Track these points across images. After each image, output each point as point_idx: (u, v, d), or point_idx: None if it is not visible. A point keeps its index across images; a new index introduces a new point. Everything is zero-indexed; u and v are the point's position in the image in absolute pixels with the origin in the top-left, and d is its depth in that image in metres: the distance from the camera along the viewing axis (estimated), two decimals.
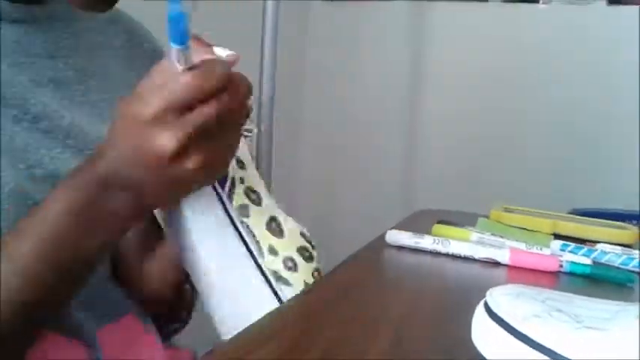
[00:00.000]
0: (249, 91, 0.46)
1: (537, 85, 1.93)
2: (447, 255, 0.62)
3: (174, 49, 0.41)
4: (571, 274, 0.59)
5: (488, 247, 0.62)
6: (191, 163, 0.43)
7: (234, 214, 0.53)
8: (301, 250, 0.56)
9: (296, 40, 2.08)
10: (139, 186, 0.45)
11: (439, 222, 0.71)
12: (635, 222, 1.30)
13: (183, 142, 0.42)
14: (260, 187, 0.57)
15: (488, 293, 0.35)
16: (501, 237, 0.67)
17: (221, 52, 0.48)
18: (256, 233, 0.54)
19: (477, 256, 0.61)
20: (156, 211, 0.56)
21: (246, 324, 0.39)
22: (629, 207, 1.57)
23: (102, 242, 0.47)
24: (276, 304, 0.51)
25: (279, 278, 0.53)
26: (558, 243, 0.68)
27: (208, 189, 0.53)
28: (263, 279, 0.53)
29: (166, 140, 0.42)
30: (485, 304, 0.34)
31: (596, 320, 0.31)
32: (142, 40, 0.70)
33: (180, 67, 0.42)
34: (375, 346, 0.36)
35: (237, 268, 0.52)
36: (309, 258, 0.56)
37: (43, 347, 0.53)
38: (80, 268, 0.47)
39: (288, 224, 0.57)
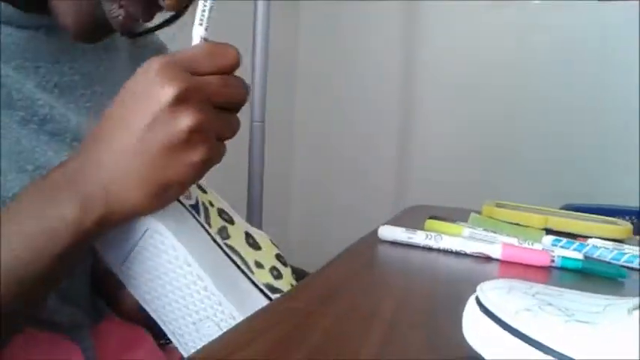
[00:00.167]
0: (247, 89, 0.47)
1: (530, 82, 1.94)
2: (439, 250, 0.62)
3: (197, 30, 0.46)
4: (562, 269, 0.59)
5: (480, 242, 0.62)
6: (186, 120, 0.43)
7: (217, 238, 0.53)
8: (278, 257, 0.57)
9: (288, 37, 2.08)
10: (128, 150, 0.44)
11: (431, 217, 0.71)
12: (627, 217, 1.31)
13: (184, 91, 0.42)
14: (227, 207, 0.57)
15: (479, 287, 0.35)
16: (493, 232, 0.67)
17: None
18: (241, 252, 0.54)
19: (468, 251, 0.61)
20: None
21: None
22: (620, 203, 1.58)
23: (77, 216, 0.44)
24: None
25: (274, 289, 0.53)
26: (550, 238, 0.68)
27: (190, 218, 0.52)
28: (260, 294, 0.53)
29: (168, 85, 0.42)
30: (476, 299, 0.34)
31: (587, 314, 0.31)
32: (146, 42, 0.70)
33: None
34: (366, 340, 0.36)
35: (237, 285, 0.52)
36: (284, 263, 0.56)
37: (34, 345, 0.53)
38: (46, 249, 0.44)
39: (257, 235, 0.57)
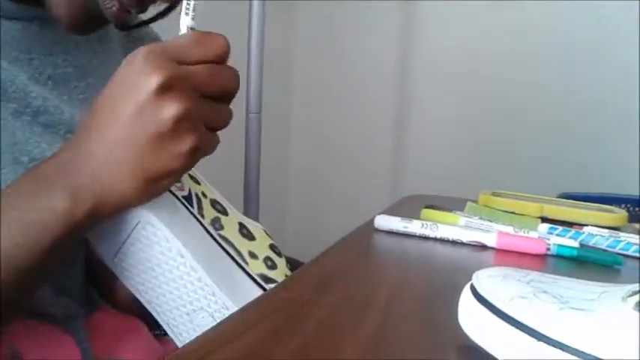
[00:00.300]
0: (238, 78, 0.46)
1: (526, 72, 1.93)
2: (435, 239, 0.62)
3: (184, 20, 0.46)
4: (558, 256, 0.59)
5: (475, 230, 0.62)
6: (172, 109, 0.42)
7: (210, 229, 0.53)
8: (272, 247, 0.56)
9: (284, 28, 2.07)
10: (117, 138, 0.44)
11: (427, 207, 0.71)
12: (623, 205, 1.31)
13: (168, 80, 0.42)
14: (220, 198, 0.57)
15: (474, 276, 0.35)
16: (489, 221, 0.67)
17: None
18: (234, 242, 0.54)
19: (464, 240, 0.61)
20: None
21: None
22: (617, 192, 1.58)
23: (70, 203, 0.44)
24: None
25: (268, 279, 0.53)
26: (546, 226, 0.68)
27: (182, 209, 0.52)
28: (254, 284, 0.53)
29: (153, 74, 0.42)
30: (472, 287, 0.34)
31: (582, 301, 0.31)
32: (141, 35, 0.69)
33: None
34: (362, 329, 0.36)
35: (230, 276, 0.52)
36: (279, 253, 0.56)
37: (29, 337, 0.53)
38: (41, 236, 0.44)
39: (251, 226, 0.57)
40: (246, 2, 1.33)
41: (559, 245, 0.59)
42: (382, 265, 0.54)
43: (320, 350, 0.33)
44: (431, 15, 2.02)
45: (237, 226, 0.55)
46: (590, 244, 0.65)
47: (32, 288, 0.48)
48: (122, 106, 0.43)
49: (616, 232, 0.70)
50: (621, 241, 0.65)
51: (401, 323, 0.38)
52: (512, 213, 0.80)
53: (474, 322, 0.33)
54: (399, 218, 0.63)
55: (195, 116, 0.43)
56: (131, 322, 0.63)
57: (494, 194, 0.88)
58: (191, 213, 0.52)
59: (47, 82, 0.56)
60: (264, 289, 0.52)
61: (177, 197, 0.52)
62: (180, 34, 0.46)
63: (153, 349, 0.63)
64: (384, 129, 2.14)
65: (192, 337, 0.44)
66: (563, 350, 0.28)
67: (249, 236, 0.56)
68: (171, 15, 0.60)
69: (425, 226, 0.62)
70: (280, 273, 0.55)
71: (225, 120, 0.47)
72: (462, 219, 0.67)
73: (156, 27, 0.67)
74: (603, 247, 0.65)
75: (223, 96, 0.46)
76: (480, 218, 0.68)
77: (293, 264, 0.57)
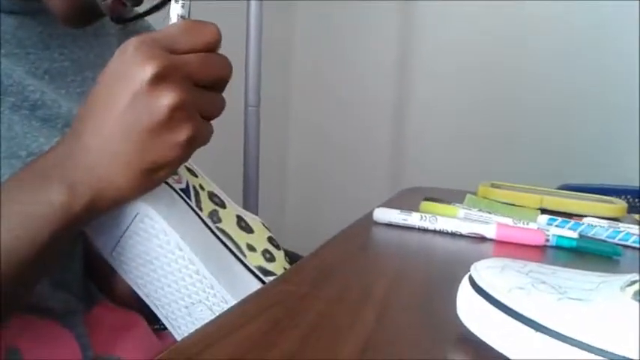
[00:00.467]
0: (230, 66, 0.46)
1: (525, 62, 1.93)
2: (434, 231, 0.62)
3: (174, 8, 0.45)
4: (558, 247, 0.59)
5: (474, 222, 0.62)
6: (166, 99, 0.42)
7: (208, 222, 0.53)
8: (271, 240, 0.56)
9: (283, 21, 2.06)
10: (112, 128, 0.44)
11: (426, 199, 0.71)
12: (623, 197, 1.31)
13: (162, 70, 0.42)
14: (218, 190, 0.57)
15: (472, 267, 0.35)
16: (489, 213, 0.67)
17: None
18: (232, 235, 0.54)
19: (463, 232, 0.61)
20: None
21: None
22: (616, 183, 1.58)
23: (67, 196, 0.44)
24: None
25: (266, 272, 0.53)
26: (545, 217, 0.68)
27: (180, 201, 0.52)
28: (253, 277, 0.53)
29: (146, 65, 0.42)
30: (470, 278, 0.34)
31: (580, 291, 0.31)
32: (137, 28, 0.69)
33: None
34: (361, 321, 0.36)
35: (229, 269, 0.52)
36: (277, 246, 0.56)
37: (27, 332, 0.53)
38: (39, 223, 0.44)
39: (249, 219, 0.57)
40: (244, 8, 1.33)
41: (558, 236, 0.59)
42: (381, 258, 0.54)
43: (319, 343, 0.33)
44: (430, 7, 2.01)
45: (235, 219, 0.55)
46: (590, 234, 0.65)
47: (31, 282, 0.47)
48: (116, 98, 0.43)
49: (615, 223, 0.70)
50: (620, 231, 0.65)
51: (400, 315, 0.38)
52: (512, 205, 0.80)
53: (472, 313, 0.33)
54: (397, 211, 0.63)
55: (190, 105, 0.43)
56: (130, 316, 0.63)
57: (494, 186, 0.88)
58: (189, 206, 0.52)
59: (44, 76, 0.56)
60: (262, 281, 0.52)
61: (174, 190, 0.52)
62: (170, 22, 0.46)
63: (152, 344, 0.63)
64: (382, 122, 2.14)
65: (191, 331, 0.44)
66: (561, 340, 0.28)
67: (248, 229, 0.55)
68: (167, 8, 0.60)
69: (424, 218, 0.62)
70: (279, 265, 0.55)
71: (218, 108, 0.47)
72: (461, 211, 0.67)
73: (151, 20, 0.67)
74: (602, 237, 0.65)
75: (216, 84, 0.46)
76: (479, 210, 0.67)
77: (292, 257, 0.57)
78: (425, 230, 0.62)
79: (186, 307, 0.50)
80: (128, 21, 0.63)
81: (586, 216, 0.73)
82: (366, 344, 0.33)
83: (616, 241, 0.64)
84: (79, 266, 0.61)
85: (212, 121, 0.47)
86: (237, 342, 0.32)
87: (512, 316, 0.30)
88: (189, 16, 0.48)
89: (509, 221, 0.64)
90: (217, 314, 0.41)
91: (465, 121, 2.01)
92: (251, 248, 0.54)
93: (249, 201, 1.39)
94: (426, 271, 0.50)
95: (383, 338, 0.34)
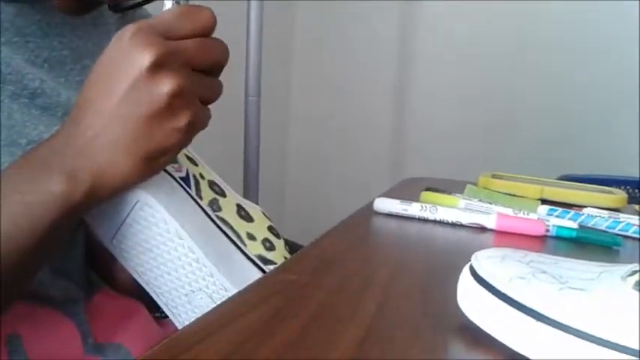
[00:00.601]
0: (227, 50, 0.46)
1: (527, 53, 1.92)
2: (434, 221, 0.62)
3: None
4: (558, 238, 0.59)
5: (475, 212, 0.62)
6: (166, 85, 0.42)
7: (208, 210, 0.53)
8: (271, 229, 0.56)
9: (283, 10, 2.06)
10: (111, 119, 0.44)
11: (427, 189, 0.71)
12: (622, 187, 1.31)
13: (160, 56, 0.42)
14: (218, 179, 0.57)
15: (473, 257, 0.35)
16: (489, 203, 0.67)
17: None
18: (232, 224, 0.54)
19: (464, 222, 0.61)
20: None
21: None
22: (617, 173, 1.58)
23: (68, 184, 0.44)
24: None
25: (266, 261, 0.53)
26: (545, 208, 0.68)
27: (180, 190, 0.52)
28: (253, 265, 0.53)
29: (144, 51, 0.42)
30: (471, 268, 0.34)
31: (581, 281, 0.31)
32: (135, 17, 0.69)
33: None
34: (361, 311, 0.36)
35: (228, 257, 0.52)
36: (277, 235, 0.56)
37: (28, 320, 0.53)
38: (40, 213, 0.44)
39: (250, 208, 0.57)
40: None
41: (558, 226, 0.59)
42: (382, 248, 0.54)
43: (320, 332, 0.33)
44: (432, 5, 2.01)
45: (235, 208, 0.55)
46: (590, 225, 0.65)
47: (32, 270, 0.48)
48: (115, 85, 0.43)
49: (615, 213, 0.70)
50: (621, 222, 0.65)
51: (401, 305, 0.38)
52: (512, 195, 0.80)
53: (473, 302, 0.33)
54: (398, 201, 0.63)
55: (188, 91, 0.43)
56: (131, 304, 0.63)
57: (494, 176, 0.88)
58: (189, 194, 0.52)
59: (43, 64, 0.56)
60: (262, 270, 0.52)
61: (174, 178, 0.52)
62: (165, 8, 0.46)
63: (153, 332, 0.63)
64: (383, 111, 2.13)
65: (192, 319, 0.44)
66: (562, 330, 0.28)
67: (248, 218, 0.56)
68: None
69: (424, 208, 0.62)
70: (279, 254, 0.55)
71: (216, 93, 0.47)
72: (461, 201, 0.67)
73: (150, 8, 0.67)
74: (602, 228, 0.65)
75: (213, 69, 0.46)
76: (480, 200, 0.67)
77: (292, 246, 0.57)
78: (425, 220, 0.62)
79: (186, 295, 0.51)
80: (126, 9, 0.62)
81: (586, 206, 0.73)
82: (367, 333, 0.33)
83: (616, 231, 0.64)
84: (80, 254, 0.61)
85: (213, 111, 0.47)
86: (237, 331, 0.32)
87: (512, 306, 0.30)
88: (185, 1, 0.48)
89: (509, 211, 0.64)
90: (217, 302, 0.42)
91: (466, 111, 2.00)
92: (251, 237, 0.54)
93: (250, 190, 1.39)
94: (427, 261, 0.50)
95: (383, 328, 0.34)
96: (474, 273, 0.34)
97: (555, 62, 1.89)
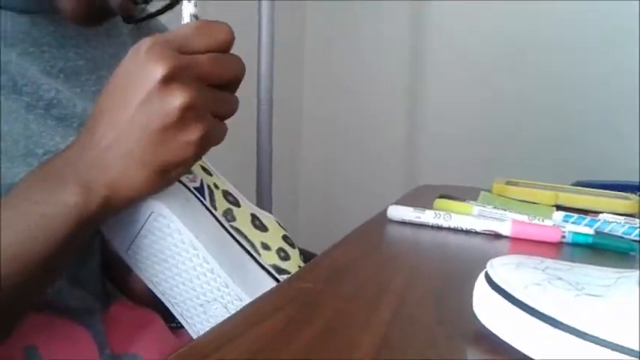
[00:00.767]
0: (243, 66, 0.46)
1: (540, 59, 1.91)
2: (448, 229, 0.62)
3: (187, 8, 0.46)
4: (574, 244, 0.59)
5: (489, 219, 0.61)
6: (177, 98, 0.42)
7: (222, 220, 0.53)
8: (285, 238, 0.56)
9: (295, 18, 2.06)
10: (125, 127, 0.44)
11: (441, 196, 0.71)
12: (637, 192, 1.30)
13: (172, 70, 0.42)
14: (232, 189, 0.57)
15: (488, 264, 0.35)
16: (503, 210, 0.66)
17: None
18: (247, 234, 0.54)
19: (478, 229, 0.61)
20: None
21: None
22: (632, 179, 1.56)
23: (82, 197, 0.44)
24: None
25: (281, 270, 0.53)
26: (561, 214, 0.68)
27: (195, 200, 0.52)
28: (267, 275, 0.53)
29: (157, 65, 0.42)
30: (486, 274, 0.34)
31: (597, 287, 0.31)
32: (150, 28, 0.69)
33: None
34: (377, 317, 0.36)
35: (243, 267, 0.52)
36: (292, 244, 0.56)
37: (45, 330, 0.53)
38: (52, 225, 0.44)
39: (264, 217, 0.57)
40: (256, 5, 1.33)
41: (574, 233, 0.59)
42: (396, 255, 0.54)
43: (335, 340, 0.33)
44: (443, 3, 2.00)
45: (249, 218, 0.55)
46: (606, 231, 0.65)
47: (46, 281, 0.48)
48: (129, 97, 0.43)
49: (631, 219, 0.69)
50: (637, 227, 0.64)
51: (415, 312, 0.38)
52: (527, 202, 0.80)
53: (488, 309, 0.33)
54: (411, 208, 0.63)
55: (200, 105, 0.44)
56: (147, 314, 0.63)
57: (509, 183, 0.87)
58: (203, 204, 0.52)
59: (59, 74, 0.57)
60: (277, 280, 0.52)
61: (189, 189, 0.52)
62: (183, 22, 0.46)
63: (169, 341, 0.63)
64: (396, 119, 2.13)
65: (207, 329, 0.44)
66: (579, 337, 0.28)
67: (262, 227, 0.56)
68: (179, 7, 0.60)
69: (438, 215, 0.62)
70: (293, 264, 0.55)
71: (231, 108, 0.47)
72: (475, 208, 0.67)
73: (163, 19, 0.67)
74: (619, 234, 0.64)
75: (229, 84, 0.46)
76: (494, 207, 0.67)
77: (306, 255, 0.57)
78: (439, 228, 0.62)
79: (202, 305, 0.51)
80: (139, 20, 0.63)
81: (602, 212, 0.73)
82: (382, 341, 0.33)
83: (632, 237, 0.63)
84: (96, 263, 0.62)
85: (226, 120, 0.48)
86: (252, 339, 0.32)
87: (529, 313, 0.30)
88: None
89: (524, 218, 0.63)
90: (232, 312, 0.42)
91: (479, 118, 2.00)
92: (265, 247, 0.54)
93: (263, 199, 1.39)
94: (441, 269, 0.50)
95: (399, 335, 0.34)
96: (489, 280, 0.34)
97: (567, 68, 1.88)
